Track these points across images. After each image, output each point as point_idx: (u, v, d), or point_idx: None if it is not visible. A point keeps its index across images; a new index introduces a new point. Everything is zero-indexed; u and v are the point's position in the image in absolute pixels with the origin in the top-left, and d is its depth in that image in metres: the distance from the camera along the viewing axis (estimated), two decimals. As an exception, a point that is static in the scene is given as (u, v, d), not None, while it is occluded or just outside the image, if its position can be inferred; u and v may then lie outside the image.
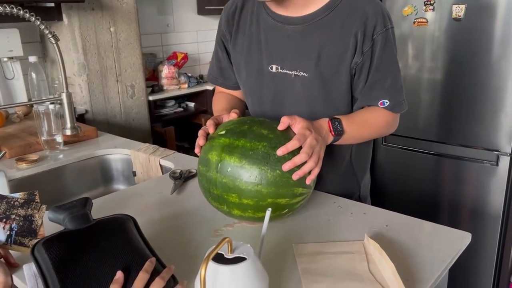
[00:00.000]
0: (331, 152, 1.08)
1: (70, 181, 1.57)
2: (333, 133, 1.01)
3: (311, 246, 0.91)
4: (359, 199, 1.27)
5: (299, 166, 0.90)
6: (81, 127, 1.38)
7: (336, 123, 1.02)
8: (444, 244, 0.92)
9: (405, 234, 0.95)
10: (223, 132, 0.96)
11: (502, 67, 1.86)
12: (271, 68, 1.12)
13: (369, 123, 1.10)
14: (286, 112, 1.09)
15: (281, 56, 1.10)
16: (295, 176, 0.88)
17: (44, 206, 0.90)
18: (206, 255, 0.62)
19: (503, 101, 1.88)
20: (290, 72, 1.10)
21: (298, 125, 0.94)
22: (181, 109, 3.20)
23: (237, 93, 1.32)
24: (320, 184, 1.09)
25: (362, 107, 1.12)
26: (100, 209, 1.12)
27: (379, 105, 1.08)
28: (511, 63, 1.84)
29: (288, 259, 0.86)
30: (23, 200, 0.89)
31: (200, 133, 1.00)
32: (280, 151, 0.89)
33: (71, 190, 1.57)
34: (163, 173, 1.50)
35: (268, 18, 1.11)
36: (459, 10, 1.88)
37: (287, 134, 0.94)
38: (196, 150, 1.01)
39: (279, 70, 1.11)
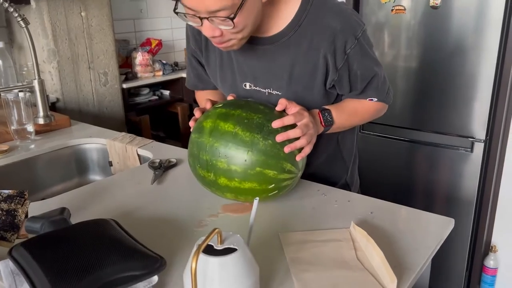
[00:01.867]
0: (318, 136, 1.06)
1: (42, 173, 1.50)
2: (323, 124, 1.02)
3: (298, 234, 0.90)
4: (346, 184, 1.28)
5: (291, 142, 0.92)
6: (54, 116, 1.32)
7: (326, 114, 1.03)
8: (428, 230, 0.93)
9: (390, 221, 0.95)
10: (220, 105, 0.99)
11: (476, 55, 1.89)
12: (245, 85, 1.12)
13: (359, 111, 1.11)
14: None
15: (253, 75, 1.09)
16: (287, 149, 0.91)
17: (28, 201, 0.87)
18: (195, 247, 0.60)
19: (477, 88, 1.92)
20: (263, 90, 1.10)
21: (295, 108, 0.96)
22: (156, 97, 3.13)
23: (215, 93, 1.30)
24: (309, 168, 1.08)
25: None
26: (78, 201, 1.08)
27: (368, 101, 1.12)
28: (485, 51, 1.87)
29: (275, 249, 0.85)
30: (6, 195, 0.85)
31: (197, 109, 1.01)
32: (276, 124, 0.91)
33: (44, 182, 1.51)
34: (141, 163, 1.46)
35: None
36: (436, -2, 1.90)
37: (283, 115, 0.96)
38: (191, 123, 1.01)
39: (253, 88, 1.11)
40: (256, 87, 1.10)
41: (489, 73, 1.88)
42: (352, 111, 1.10)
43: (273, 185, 0.94)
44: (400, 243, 0.87)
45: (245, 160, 0.90)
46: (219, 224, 0.95)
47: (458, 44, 1.92)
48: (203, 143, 0.94)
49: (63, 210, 0.86)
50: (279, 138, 0.90)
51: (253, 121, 0.92)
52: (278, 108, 0.96)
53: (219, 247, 0.64)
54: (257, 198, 0.77)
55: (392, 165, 2.26)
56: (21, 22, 1.12)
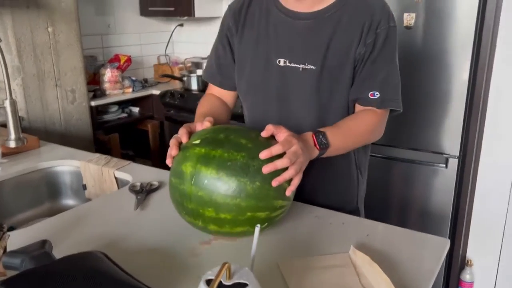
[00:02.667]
0: (335, 162, 1.11)
1: (10, 198, 1.40)
2: (318, 147, 0.97)
3: (297, 262, 0.86)
4: (357, 209, 1.28)
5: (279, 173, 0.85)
6: (27, 138, 1.24)
7: (321, 136, 0.98)
8: (426, 251, 0.92)
9: (387, 243, 0.94)
10: (197, 142, 0.89)
11: (449, 73, 1.94)
12: (279, 61, 1.11)
13: (353, 129, 1.07)
14: (292, 107, 1.13)
15: (290, 50, 1.10)
16: (275, 183, 0.84)
17: (7, 235, 0.78)
18: (202, 283, 0.55)
19: (451, 105, 1.96)
20: (298, 65, 1.09)
21: (283, 134, 0.90)
22: (125, 114, 3.04)
23: (228, 96, 1.27)
24: (321, 194, 1.13)
25: (355, 101, 1.11)
26: (57, 230, 1.00)
27: (369, 96, 1.07)
28: (457, 69, 1.92)
29: (276, 279, 0.81)
30: None
31: (172, 142, 0.93)
32: (263, 154, 0.84)
33: (11, 208, 1.40)
34: (118, 186, 1.38)
35: (279, 13, 1.12)
36: (410, 18, 1.94)
37: (268, 143, 0.89)
38: (168, 161, 0.93)
39: (287, 64, 1.11)
40: (290, 63, 1.10)
41: (461, 90, 1.93)
42: (347, 131, 1.06)
43: (266, 223, 0.89)
44: (401, 267, 0.85)
45: (234, 208, 0.84)
46: (213, 252, 0.90)
47: (431, 62, 1.97)
48: (185, 191, 0.86)
49: (44, 242, 0.79)
50: (266, 169, 0.83)
51: (237, 163, 0.84)
52: (264, 134, 0.90)
53: (228, 282, 0.59)
54: (259, 225, 0.73)
55: (368, 181, 2.26)
56: (-8, 39, 1.04)
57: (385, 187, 2.22)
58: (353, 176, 1.23)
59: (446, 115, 1.98)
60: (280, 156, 0.86)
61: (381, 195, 2.24)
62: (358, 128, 1.08)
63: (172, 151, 0.91)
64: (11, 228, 1.36)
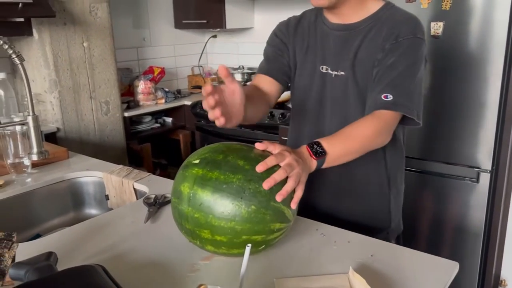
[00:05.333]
0: (363, 178, 1.21)
1: (38, 207, 1.48)
2: (313, 156, 0.96)
3: (293, 281, 0.85)
4: (388, 233, 1.28)
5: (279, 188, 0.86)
6: (49, 150, 1.30)
7: (315, 146, 0.98)
8: (432, 275, 0.88)
9: (391, 265, 0.91)
10: (197, 162, 0.90)
11: (480, 84, 1.86)
12: (322, 68, 1.21)
13: (353, 135, 1.05)
14: (326, 112, 1.22)
15: (330, 58, 1.20)
16: (279, 197, 0.84)
17: (16, 245, 0.83)
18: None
19: (482, 117, 1.88)
20: (333, 72, 1.19)
21: (277, 149, 0.91)
22: (158, 125, 3.13)
23: (271, 87, 1.27)
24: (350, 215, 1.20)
25: (369, 107, 1.11)
26: (68, 241, 1.05)
27: (382, 97, 1.06)
28: (488, 80, 1.84)
29: (269, 297, 0.81)
30: None
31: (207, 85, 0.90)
32: (259, 167, 0.85)
33: (40, 217, 1.48)
34: (137, 197, 1.43)
35: (324, 26, 1.23)
36: (437, 28, 1.88)
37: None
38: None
39: (328, 71, 1.20)
40: (328, 70, 1.20)
41: (493, 101, 1.85)
42: (345, 137, 1.04)
43: (263, 246, 0.88)
44: (401, 291, 0.82)
45: (229, 231, 0.83)
46: (211, 268, 0.91)
47: (461, 73, 1.90)
48: (183, 212, 0.87)
49: (49, 255, 0.83)
50: (266, 185, 0.83)
51: (233, 186, 0.83)
52: (259, 146, 0.91)
53: (205, 303, 0.60)
54: (249, 245, 0.74)
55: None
56: (16, 59, 1.11)
57: (413, 202, 2.15)
58: (384, 190, 1.26)
59: (477, 127, 1.90)
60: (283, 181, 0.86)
61: (411, 209, 2.17)
62: (360, 132, 1.05)
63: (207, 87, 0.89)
64: (37, 236, 1.43)
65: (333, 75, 1.19)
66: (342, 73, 1.17)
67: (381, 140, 1.10)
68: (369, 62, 1.13)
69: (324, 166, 1.00)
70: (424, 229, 2.16)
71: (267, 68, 1.28)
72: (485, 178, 1.91)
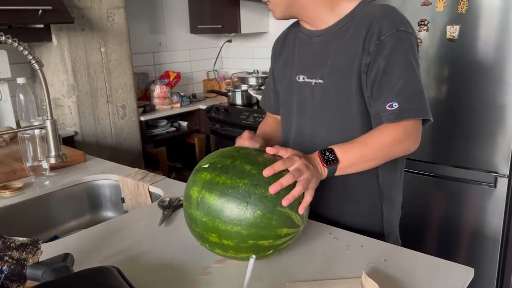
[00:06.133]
0: (353, 181, 1.12)
1: (56, 209, 1.51)
2: (324, 164, 0.95)
3: (306, 285, 0.86)
4: (383, 236, 1.19)
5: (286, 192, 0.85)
6: (67, 154, 1.33)
7: (327, 153, 0.96)
8: (446, 281, 0.87)
9: (404, 270, 0.90)
10: (206, 166, 0.91)
11: (497, 87, 1.84)
12: (298, 78, 1.19)
13: (370, 143, 1.00)
14: (307, 121, 1.19)
15: (306, 66, 1.18)
16: (285, 202, 0.83)
17: (40, 252, 0.85)
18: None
19: (501, 121, 1.85)
20: (311, 80, 1.15)
21: (288, 153, 0.92)
22: (173, 128, 3.16)
23: (278, 118, 1.38)
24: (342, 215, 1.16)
25: (376, 117, 1.03)
26: (84, 243, 1.07)
27: (387, 107, 0.99)
28: (505, 83, 1.81)
29: (281, 301, 0.81)
30: (19, 243, 0.83)
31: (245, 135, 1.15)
32: (266, 172, 0.85)
33: (57, 219, 1.51)
34: (152, 200, 1.45)
35: (301, 34, 1.20)
36: (453, 31, 1.87)
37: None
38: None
39: (304, 80, 1.17)
40: (306, 79, 1.17)
41: (511, 105, 1.82)
42: (361, 144, 1.00)
43: (271, 251, 0.88)
44: (415, 296, 0.82)
45: (236, 235, 0.84)
46: (224, 271, 0.92)
47: (477, 76, 1.88)
48: (192, 216, 0.89)
49: (66, 256, 0.84)
50: (273, 189, 0.83)
51: (239, 190, 0.83)
52: (270, 151, 0.92)
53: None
54: (254, 256, 0.74)
55: (412, 200, 2.18)
56: (36, 65, 1.14)
57: (429, 207, 2.13)
58: (375, 202, 1.18)
59: (494, 131, 1.87)
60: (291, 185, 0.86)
61: (425, 215, 2.15)
62: (378, 140, 1.00)
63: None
64: (55, 237, 1.46)
65: (312, 83, 1.14)
66: (320, 80, 1.12)
67: (403, 147, 1.02)
68: (348, 67, 1.06)
69: (337, 173, 0.98)
70: (440, 235, 2.13)
71: (270, 106, 1.39)
72: (502, 183, 1.88)
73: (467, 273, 0.89)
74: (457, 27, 1.86)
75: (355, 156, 0.99)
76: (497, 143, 1.88)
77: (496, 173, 1.90)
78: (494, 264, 1.97)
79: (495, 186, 1.90)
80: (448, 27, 1.88)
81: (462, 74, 1.91)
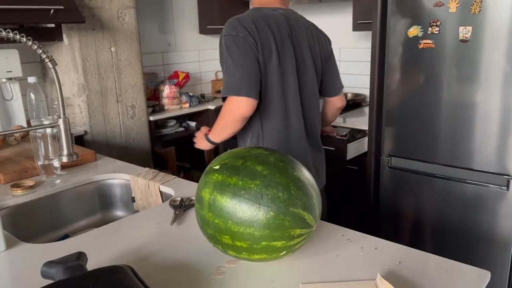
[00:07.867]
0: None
1: (67, 208, 1.51)
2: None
3: (320, 286, 0.85)
4: None
5: (290, 208, 0.84)
6: (78, 153, 1.33)
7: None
8: (462, 284, 0.86)
9: (419, 272, 0.89)
10: (217, 167, 0.90)
11: (509, 89, 1.81)
12: None
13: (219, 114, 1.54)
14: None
15: None
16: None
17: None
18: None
19: (513, 123, 1.83)
20: None
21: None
22: (182, 128, 3.16)
23: None
24: None
25: None
26: (97, 242, 1.07)
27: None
28: (519, 85, 1.79)
29: (295, 302, 0.81)
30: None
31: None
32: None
33: (68, 217, 1.51)
34: (163, 200, 1.45)
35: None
36: (466, 32, 1.85)
37: (285, 167, 0.88)
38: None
39: None
40: None
41: (524, 107, 1.80)
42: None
43: (284, 252, 0.88)
44: (431, 299, 0.81)
45: (248, 236, 0.83)
46: (236, 271, 0.91)
47: (490, 78, 1.86)
48: (204, 218, 0.88)
49: (79, 255, 0.84)
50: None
51: (251, 191, 0.83)
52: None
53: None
54: None
55: (422, 202, 2.17)
56: (49, 63, 1.14)
57: (441, 209, 2.11)
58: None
59: (507, 132, 1.85)
60: (298, 182, 0.86)
61: (437, 217, 2.13)
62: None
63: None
64: (65, 236, 1.46)
65: None
66: None
67: (234, 111, 1.56)
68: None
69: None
70: (450, 237, 2.11)
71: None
72: (515, 186, 1.86)
73: (483, 276, 0.88)
74: (469, 28, 1.84)
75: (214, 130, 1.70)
76: (509, 145, 1.86)
77: (509, 175, 1.88)
78: (506, 267, 1.95)
79: (507, 189, 1.88)
80: (461, 28, 1.86)
81: (474, 75, 1.90)
